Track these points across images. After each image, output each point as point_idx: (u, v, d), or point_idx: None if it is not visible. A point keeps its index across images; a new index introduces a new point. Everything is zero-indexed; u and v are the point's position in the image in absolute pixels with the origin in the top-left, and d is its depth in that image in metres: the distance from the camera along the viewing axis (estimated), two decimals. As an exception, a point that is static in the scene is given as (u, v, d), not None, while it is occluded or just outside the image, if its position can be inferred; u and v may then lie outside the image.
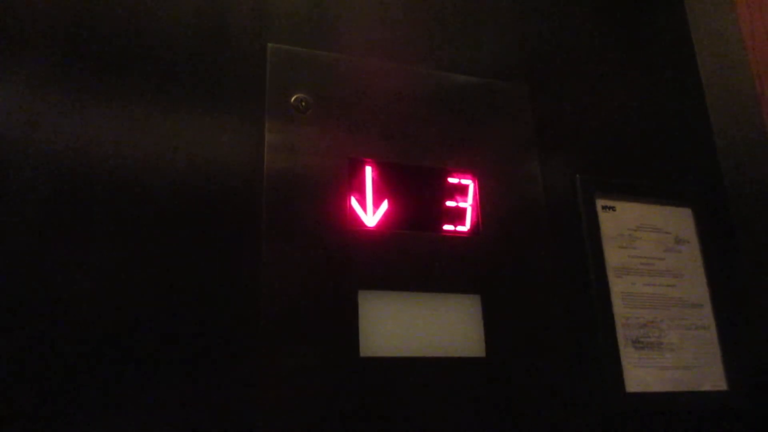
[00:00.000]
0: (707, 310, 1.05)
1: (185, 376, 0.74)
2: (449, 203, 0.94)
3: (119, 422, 0.70)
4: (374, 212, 0.89)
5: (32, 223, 0.73)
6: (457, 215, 0.94)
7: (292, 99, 0.89)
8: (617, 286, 1.00)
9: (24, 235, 0.72)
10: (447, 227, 0.92)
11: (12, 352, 0.68)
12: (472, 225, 0.94)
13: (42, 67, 0.79)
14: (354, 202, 0.88)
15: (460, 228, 0.93)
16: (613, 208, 1.05)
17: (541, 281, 0.95)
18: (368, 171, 0.91)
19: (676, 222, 1.09)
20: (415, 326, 0.85)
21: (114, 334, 0.72)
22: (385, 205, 0.90)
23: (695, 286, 1.06)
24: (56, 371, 0.69)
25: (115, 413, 0.70)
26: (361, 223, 0.88)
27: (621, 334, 0.97)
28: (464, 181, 0.96)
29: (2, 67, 0.77)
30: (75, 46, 0.82)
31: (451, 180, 0.95)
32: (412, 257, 0.88)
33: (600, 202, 1.04)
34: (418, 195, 0.93)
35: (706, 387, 0.99)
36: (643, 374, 0.96)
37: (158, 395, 0.72)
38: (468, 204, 0.95)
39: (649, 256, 1.05)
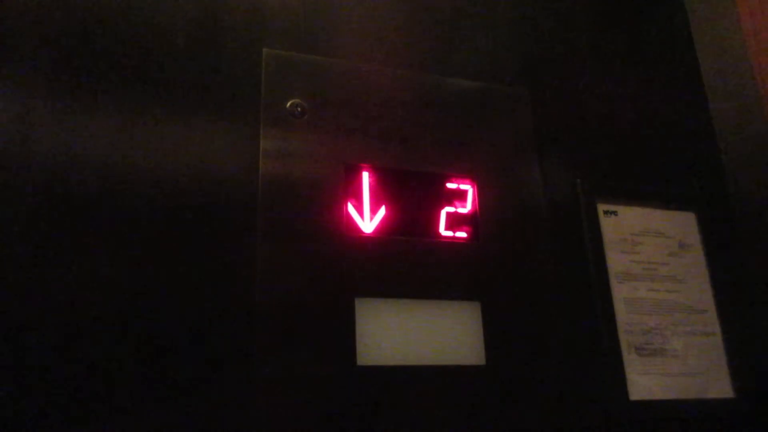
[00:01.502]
0: (712, 315, 1.03)
1: (180, 386, 0.73)
2: (448, 209, 0.92)
3: (113, 428, 0.69)
4: (371, 218, 0.88)
5: (26, 231, 0.72)
6: (456, 221, 0.92)
7: (288, 104, 0.88)
8: (619, 292, 0.99)
9: (18, 243, 0.71)
10: (446, 233, 0.91)
11: (6, 355, 0.67)
12: (471, 231, 0.93)
13: (34, 74, 0.78)
14: (351, 208, 0.87)
15: (459, 234, 0.92)
16: (615, 213, 1.04)
17: (542, 287, 0.93)
18: (365, 177, 0.89)
19: (680, 226, 1.08)
20: (413, 334, 0.84)
21: (108, 341, 0.71)
22: (382, 211, 0.89)
23: (699, 292, 1.04)
24: (52, 374, 0.68)
25: (110, 418, 0.69)
26: (358, 230, 0.87)
27: (624, 340, 0.96)
28: (463, 187, 0.94)
29: (-6, 74, 0.77)
30: (68, 53, 0.81)
31: (450, 185, 0.94)
32: (410, 264, 0.87)
33: (602, 207, 1.03)
34: (416, 201, 0.91)
35: (712, 394, 0.97)
36: (646, 381, 0.94)
37: (152, 405, 0.71)
38: (467, 209, 0.93)
39: (652, 261, 1.03)
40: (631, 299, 0.99)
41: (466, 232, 0.92)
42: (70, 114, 0.78)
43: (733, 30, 1.23)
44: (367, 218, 0.88)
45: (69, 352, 0.70)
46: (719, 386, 0.99)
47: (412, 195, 0.91)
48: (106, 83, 0.81)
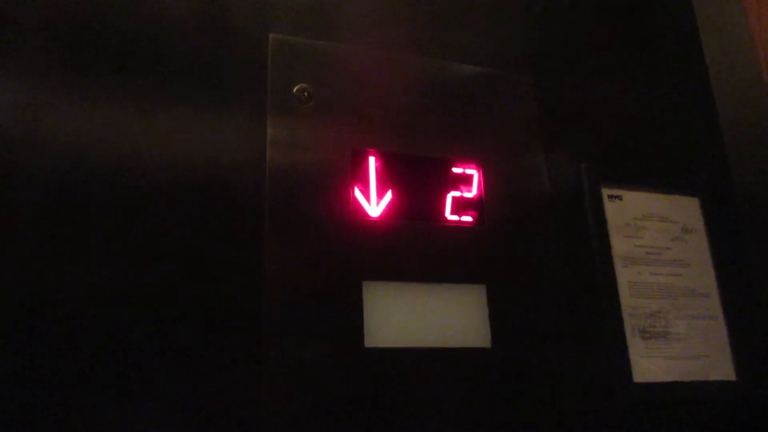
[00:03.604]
0: (714, 299, 1.04)
1: (189, 369, 0.73)
2: (454, 193, 0.93)
3: (122, 420, 0.70)
4: (378, 203, 0.88)
5: (34, 219, 0.73)
6: (462, 205, 0.93)
7: (294, 89, 0.89)
8: (623, 276, 0.99)
9: (26, 232, 0.72)
10: (452, 217, 0.92)
11: (12, 350, 0.68)
12: (476, 215, 0.93)
13: (43, 63, 0.79)
14: (357, 193, 0.88)
15: (464, 218, 0.93)
16: (619, 197, 1.04)
17: (547, 271, 0.94)
18: (372, 161, 0.90)
19: (684, 211, 1.08)
20: (419, 317, 0.85)
21: (116, 330, 0.72)
22: (389, 196, 0.89)
23: (702, 276, 1.05)
24: (56, 371, 0.69)
25: (119, 410, 0.70)
26: (365, 214, 0.87)
27: (628, 324, 0.96)
28: (469, 171, 0.95)
29: (4, 63, 0.77)
30: (76, 41, 0.81)
31: (456, 170, 0.94)
32: (416, 247, 0.88)
33: (606, 191, 1.03)
34: (422, 185, 0.92)
35: (714, 377, 0.98)
36: (650, 364, 0.95)
37: (161, 389, 0.72)
38: (473, 194, 0.94)
39: (656, 246, 1.04)
40: (635, 283, 1.00)
41: (472, 217, 0.93)
42: (76, 103, 0.79)
43: (739, 16, 1.23)
44: (374, 203, 0.88)
45: (69, 346, 0.70)
46: (721, 369, 1.00)
47: (418, 179, 0.92)
48: (111, 71, 0.82)
